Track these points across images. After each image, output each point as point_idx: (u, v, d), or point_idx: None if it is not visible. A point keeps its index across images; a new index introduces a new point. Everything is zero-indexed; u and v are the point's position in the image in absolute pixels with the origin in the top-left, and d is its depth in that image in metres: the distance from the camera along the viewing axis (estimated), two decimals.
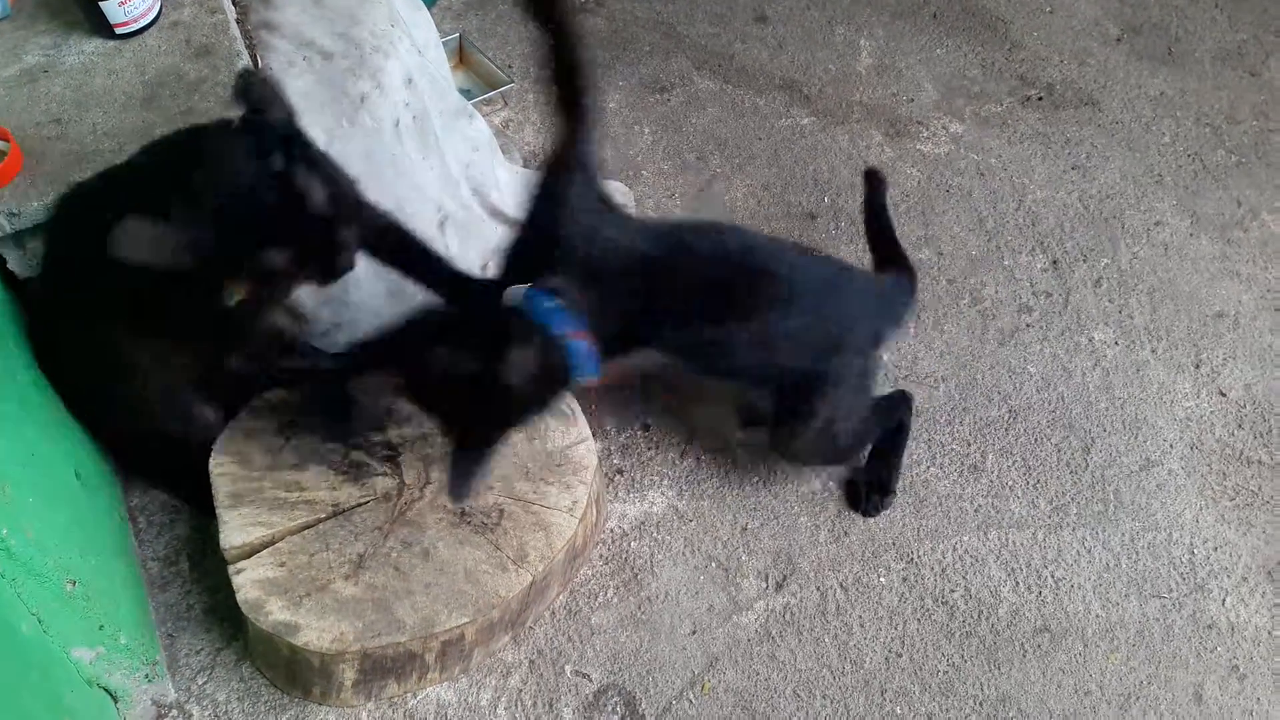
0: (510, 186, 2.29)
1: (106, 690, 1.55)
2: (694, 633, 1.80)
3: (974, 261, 2.36)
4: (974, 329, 2.23)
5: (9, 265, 1.56)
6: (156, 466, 1.85)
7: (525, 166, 2.49)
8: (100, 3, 1.62)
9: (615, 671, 1.75)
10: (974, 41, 2.90)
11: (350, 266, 1.46)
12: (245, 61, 1.68)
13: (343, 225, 1.41)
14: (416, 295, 1.97)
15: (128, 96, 1.62)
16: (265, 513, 1.63)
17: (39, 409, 1.56)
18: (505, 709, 1.69)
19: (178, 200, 1.27)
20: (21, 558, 1.29)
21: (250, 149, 1.31)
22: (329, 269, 1.43)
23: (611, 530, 1.92)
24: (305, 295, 1.81)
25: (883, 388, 2.03)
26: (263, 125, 1.32)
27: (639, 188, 2.48)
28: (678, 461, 2.00)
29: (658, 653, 1.77)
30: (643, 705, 1.71)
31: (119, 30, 1.67)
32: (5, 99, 1.61)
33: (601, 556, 1.89)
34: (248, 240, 1.32)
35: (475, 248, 2.13)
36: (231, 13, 1.78)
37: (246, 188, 1.30)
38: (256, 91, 1.33)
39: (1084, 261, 2.37)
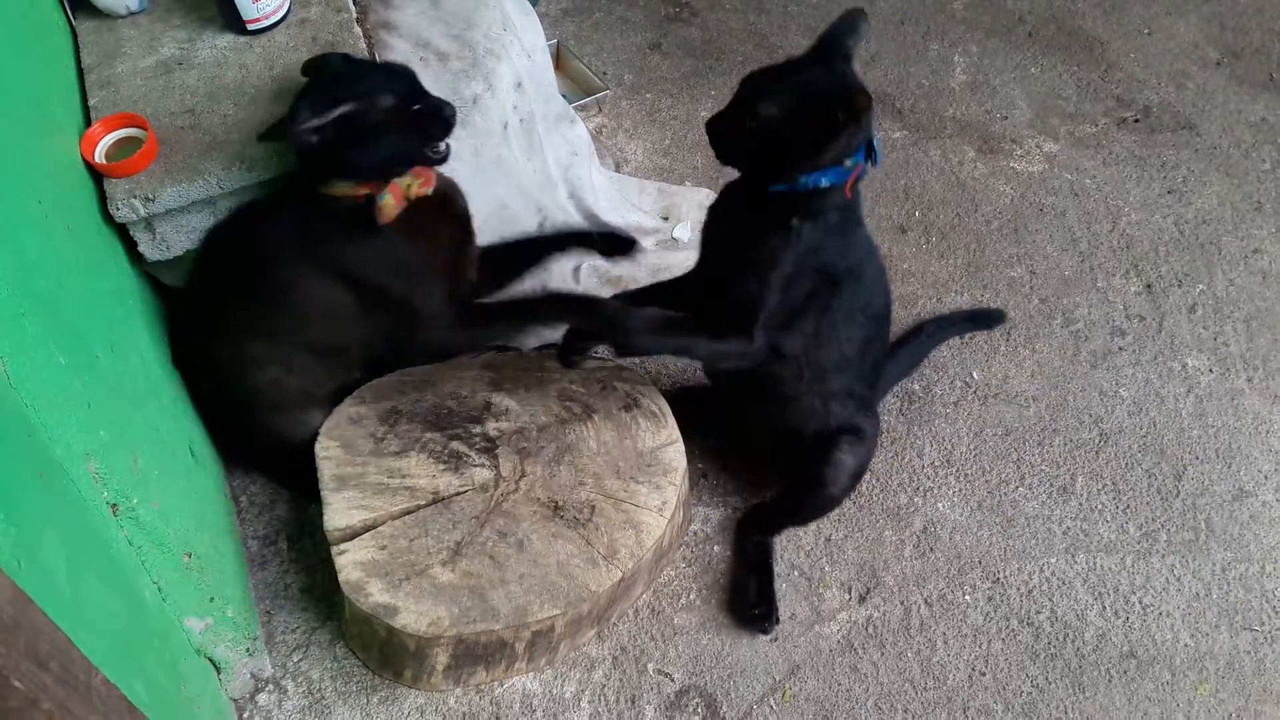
0: (605, 190, 2.33)
1: (211, 661, 1.61)
2: (775, 639, 1.81)
3: (1067, 282, 2.34)
4: (1066, 350, 2.21)
5: (140, 248, 1.63)
6: (262, 456, 1.92)
7: (617, 171, 2.53)
8: (235, 0, 1.69)
9: (697, 673, 1.77)
10: (1070, 61, 2.87)
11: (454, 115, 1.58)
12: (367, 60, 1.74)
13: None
14: (516, 291, 2.01)
15: (257, 90, 1.68)
16: (368, 497, 1.68)
17: (161, 387, 1.62)
18: (589, 702, 1.72)
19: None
20: (148, 527, 1.35)
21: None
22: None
23: (695, 533, 1.94)
24: None
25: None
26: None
27: None
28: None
29: (739, 657, 1.79)
30: (724, 708, 1.73)
31: (250, 26, 1.74)
32: (142, 89, 1.68)
33: (685, 558, 1.91)
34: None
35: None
36: (354, 12, 1.84)
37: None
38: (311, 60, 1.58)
39: (1179, 286, 2.34)
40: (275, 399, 1.75)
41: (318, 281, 1.61)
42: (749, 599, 1.82)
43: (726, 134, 1.54)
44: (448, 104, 1.56)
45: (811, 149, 1.45)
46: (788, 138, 1.46)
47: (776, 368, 1.67)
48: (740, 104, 1.50)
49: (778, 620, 1.81)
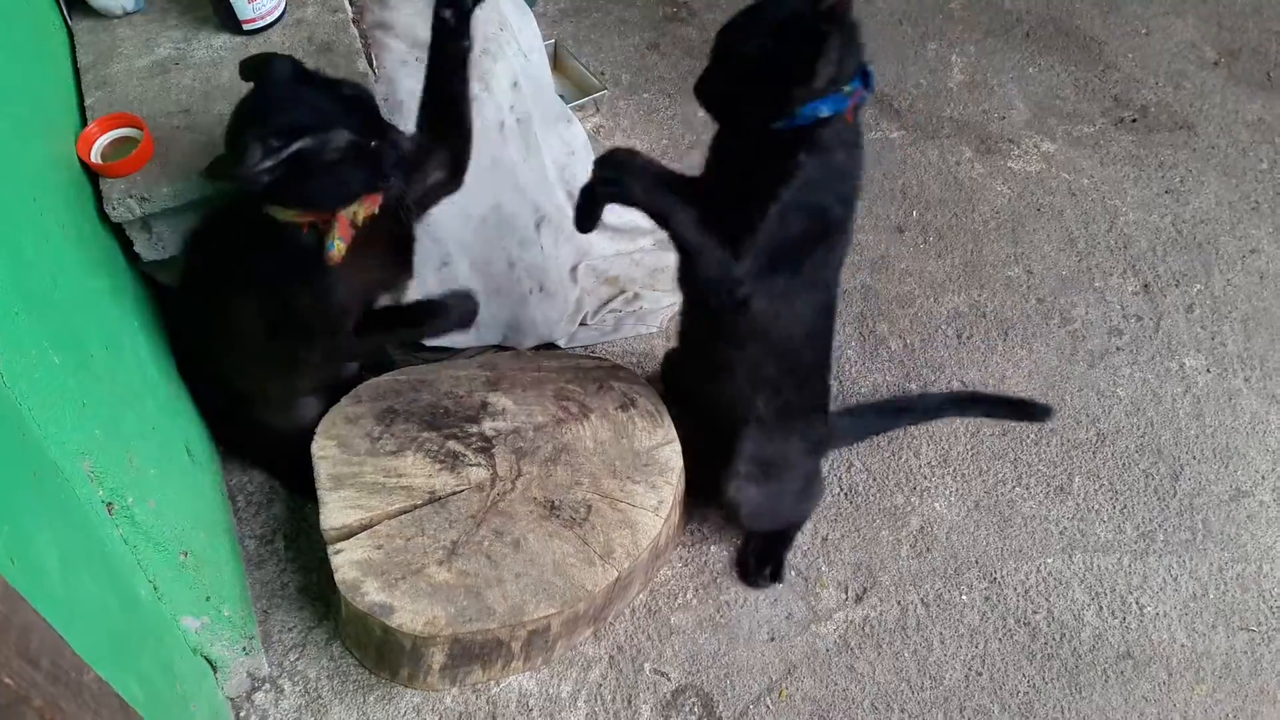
0: None
1: (208, 659, 1.61)
2: (772, 639, 1.81)
3: (1064, 281, 2.34)
4: (1063, 350, 2.21)
5: (136, 248, 1.63)
6: (260, 451, 1.93)
7: None
8: (231, 0, 1.69)
9: (693, 672, 1.77)
10: (1067, 61, 2.87)
11: (407, 145, 1.50)
12: (363, 60, 1.74)
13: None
14: (513, 289, 2.02)
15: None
16: (364, 496, 1.68)
17: (157, 385, 1.62)
18: (585, 702, 1.72)
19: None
20: (144, 526, 1.35)
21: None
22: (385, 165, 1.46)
23: (692, 532, 1.94)
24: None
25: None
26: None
27: None
28: None
29: (735, 657, 1.79)
30: (720, 707, 1.73)
31: (246, 26, 1.74)
32: (138, 89, 1.68)
33: (682, 558, 1.91)
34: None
35: (568, 249, 2.17)
36: (349, 12, 1.84)
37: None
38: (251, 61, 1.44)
39: (1176, 286, 2.34)
40: (258, 396, 1.76)
41: (252, 299, 1.59)
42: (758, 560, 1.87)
43: (716, 90, 1.47)
44: (404, 138, 1.48)
45: (804, 70, 1.36)
46: (777, 68, 1.38)
47: (730, 323, 1.59)
48: (722, 54, 1.45)
49: (781, 579, 1.86)
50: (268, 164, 1.31)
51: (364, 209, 1.47)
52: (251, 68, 1.43)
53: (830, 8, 1.30)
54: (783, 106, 1.41)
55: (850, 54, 1.40)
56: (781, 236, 1.48)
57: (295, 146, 1.32)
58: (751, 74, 1.41)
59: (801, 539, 1.92)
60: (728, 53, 1.44)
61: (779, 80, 1.39)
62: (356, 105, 1.41)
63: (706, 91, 1.48)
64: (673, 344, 2.14)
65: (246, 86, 1.64)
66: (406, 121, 1.75)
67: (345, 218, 1.46)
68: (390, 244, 1.61)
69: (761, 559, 1.87)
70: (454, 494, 1.71)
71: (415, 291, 1.89)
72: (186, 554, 1.48)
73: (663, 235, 2.20)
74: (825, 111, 1.40)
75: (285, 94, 1.40)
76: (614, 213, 2.32)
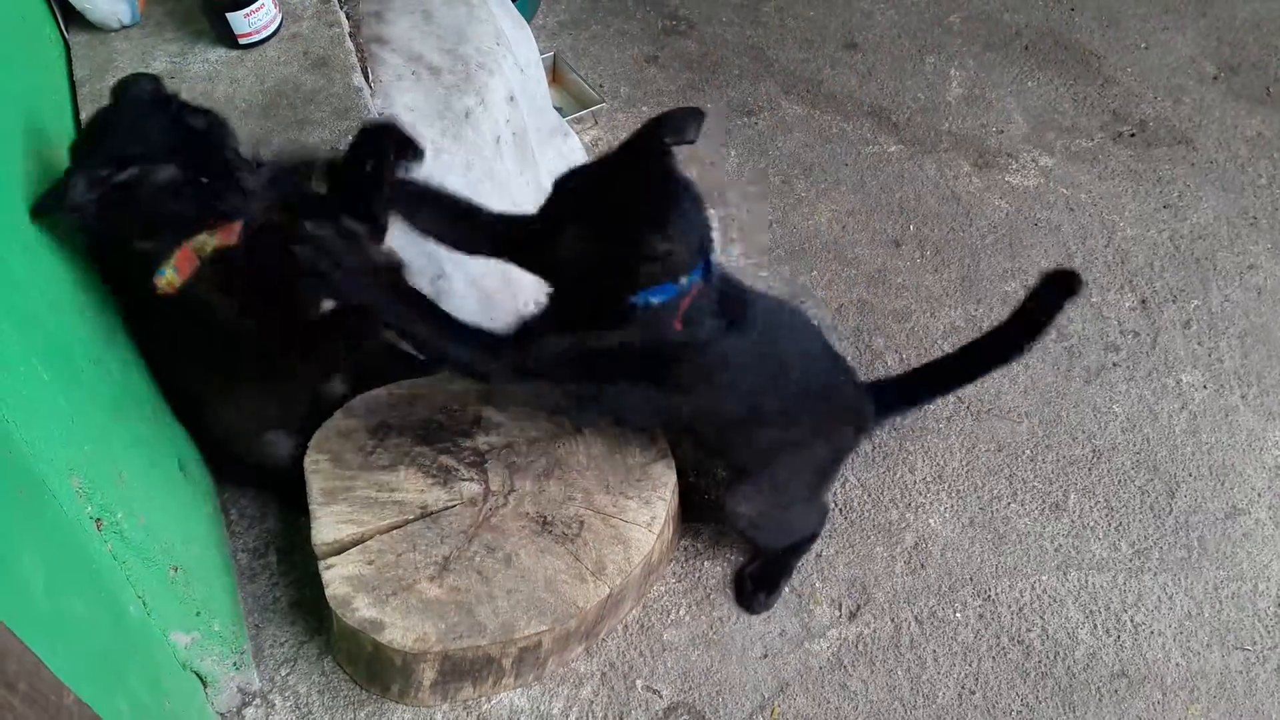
0: None
1: (198, 675, 1.61)
2: (765, 656, 1.80)
3: None
4: (1059, 365, 2.21)
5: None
6: (245, 473, 1.92)
7: None
8: (227, 14, 1.69)
9: (685, 689, 1.76)
10: (1066, 75, 2.87)
11: (252, 184, 1.40)
12: (359, 74, 1.74)
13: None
14: (507, 304, 2.01)
15: (248, 104, 1.68)
16: (356, 511, 1.68)
17: (147, 401, 1.62)
18: (577, 719, 1.71)
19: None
20: (133, 542, 1.34)
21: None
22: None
23: (685, 548, 1.94)
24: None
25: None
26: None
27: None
28: None
29: (728, 674, 1.78)
30: None
31: (242, 41, 1.74)
32: None
33: (675, 574, 1.90)
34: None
35: None
36: (346, 26, 1.84)
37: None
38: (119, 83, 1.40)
39: (1173, 302, 2.34)
40: (231, 426, 1.75)
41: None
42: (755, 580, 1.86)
43: (539, 260, 1.45)
44: (246, 175, 1.38)
45: (625, 282, 1.34)
46: (598, 270, 1.36)
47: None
48: (547, 222, 1.40)
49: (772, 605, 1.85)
50: (89, 196, 1.26)
51: (214, 240, 1.40)
52: (118, 89, 1.39)
53: (653, 250, 1.28)
54: (609, 299, 1.39)
55: (682, 255, 1.34)
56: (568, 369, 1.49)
57: (118, 178, 1.27)
58: (573, 268, 1.39)
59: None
60: (542, 236, 1.41)
61: (602, 280, 1.37)
62: (200, 137, 1.35)
63: (531, 256, 1.46)
64: None
65: (240, 101, 1.65)
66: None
67: (188, 248, 1.39)
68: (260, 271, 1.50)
69: (758, 583, 1.86)
70: (446, 509, 1.71)
71: None
72: (176, 569, 1.48)
73: None
74: (655, 300, 1.37)
75: (126, 121, 1.35)
76: None
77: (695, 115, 1.34)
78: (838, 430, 1.80)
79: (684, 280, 1.37)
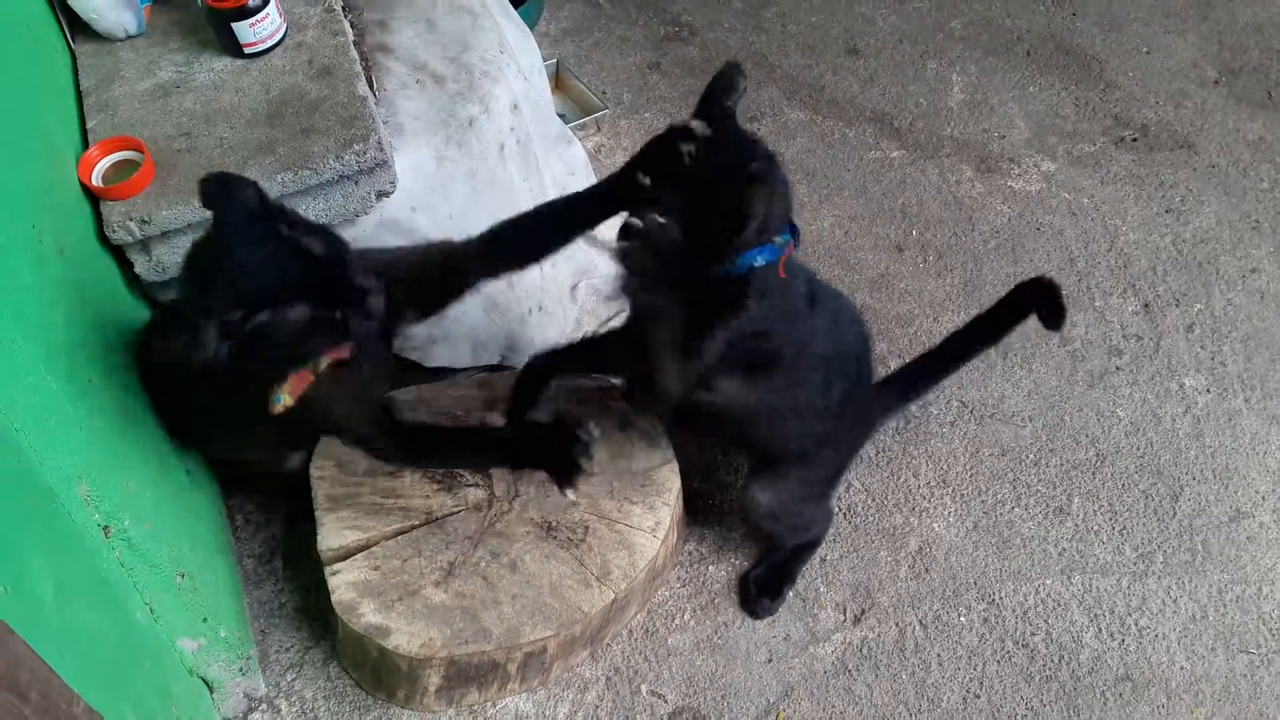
0: None
1: (204, 680, 1.61)
2: (770, 661, 1.80)
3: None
4: (1063, 370, 2.21)
5: (136, 270, 1.64)
6: (252, 479, 1.93)
7: None
8: (232, 24, 1.70)
9: (690, 694, 1.76)
10: (1068, 80, 2.88)
11: (377, 308, 1.33)
12: (363, 82, 1.75)
13: (351, 269, 1.31)
14: (512, 308, 2.02)
15: (253, 113, 1.69)
16: (362, 517, 1.69)
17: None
18: None
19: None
20: (140, 549, 1.35)
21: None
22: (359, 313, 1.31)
23: (690, 553, 1.94)
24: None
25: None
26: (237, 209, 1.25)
27: None
28: None
29: (733, 678, 1.78)
30: None
31: (247, 50, 1.75)
32: (140, 111, 1.70)
33: (679, 579, 1.91)
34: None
35: (567, 269, 2.18)
36: (350, 35, 1.85)
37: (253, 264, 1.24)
38: (214, 188, 1.27)
39: (1176, 306, 2.34)
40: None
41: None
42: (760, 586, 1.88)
43: (638, 249, 1.49)
44: (372, 297, 1.30)
45: (733, 227, 1.40)
46: (704, 226, 1.42)
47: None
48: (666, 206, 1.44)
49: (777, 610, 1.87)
50: (225, 345, 1.20)
51: (327, 361, 1.38)
52: (211, 193, 1.26)
53: (754, 176, 1.36)
54: (718, 257, 1.46)
55: (778, 210, 1.45)
56: (721, 362, 1.54)
57: (253, 324, 1.21)
58: (693, 226, 1.44)
59: None
60: (651, 205, 1.45)
61: (709, 237, 1.43)
62: (323, 265, 1.27)
63: (631, 244, 1.49)
64: None
65: (245, 109, 1.65)
66: (407, 143, 1.77)
67: (305, 370, 1.37)
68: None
69: (763, 588, 1.86)
70: (451, 515, 1.71)
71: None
72: (183, 575, 1.49)
73: None
74: (760, 260, 1.45)
75: (242, 249, 1.24)
76: (611, 232, 2.33)
77: (736, 69, 1.44)
78: (861, 426, 1.86)
79: (778, 239, 1.47)
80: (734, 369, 1.57)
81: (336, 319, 1.27)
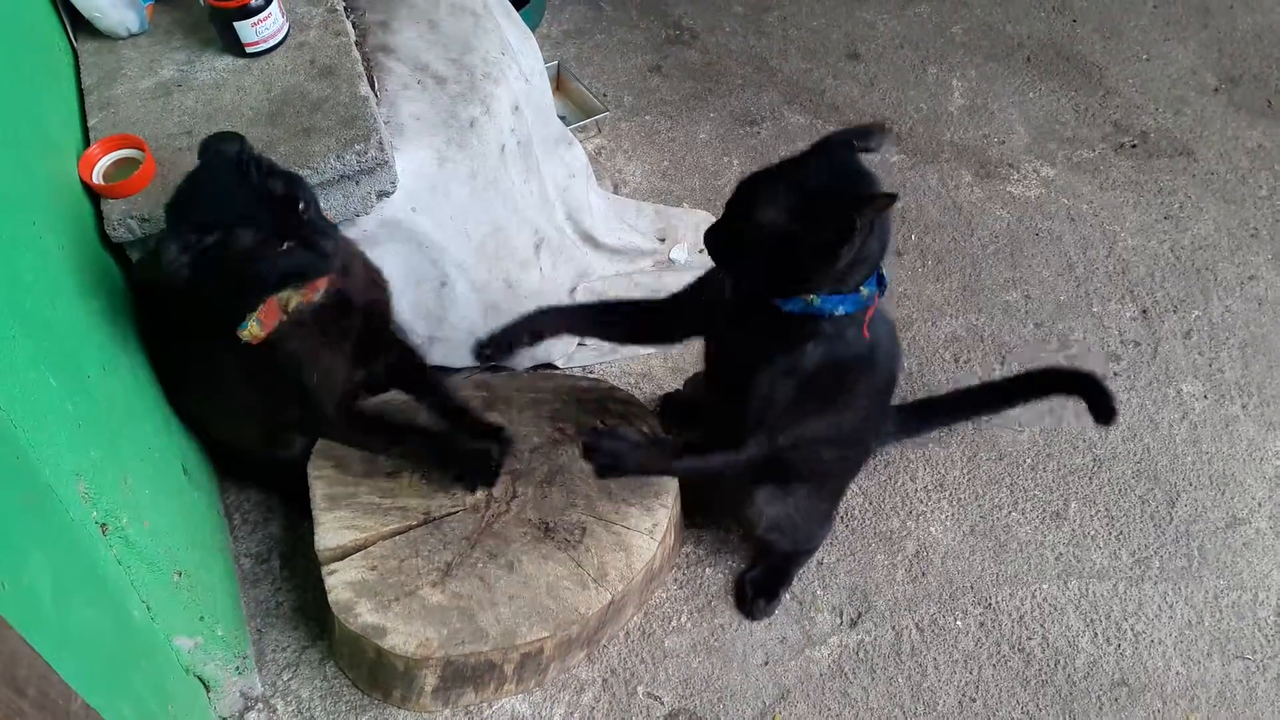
0: (602, 212, 2.34)
1: (201, 679, 1.61)
2: (766, 663, 1.81)
3: (1061, 307, 2.34)
4: None
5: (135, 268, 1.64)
6: (253, 471, 1.94)
7: (615, 192, 2.54)
8: (235, 23, 1.70)
9: (687, 696, 1.76)
10: (1068, 86, 2.89)
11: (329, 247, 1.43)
12: (365, 83, 1.75)
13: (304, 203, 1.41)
14: (514, 309, 2.02)
15: (254, 112, 1.69)
16: (360, 517, 1.69)
17: (154, 406, 1.63)
18: None
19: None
20: (138, 546, 1.35)
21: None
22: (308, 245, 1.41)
23: (687, 555, 1.94)
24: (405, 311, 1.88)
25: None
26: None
27: None
28: None
29: (729, 681, 1.78)
30: None
31: (249, 49, 1.75)
32: (141, 110, 1.70)
33: (676, 580, 1.91)
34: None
35: (566, 270, 2.18)
36: (352, 35, 1.85)
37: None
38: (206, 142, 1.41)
39: (1174, 312, 2.34)
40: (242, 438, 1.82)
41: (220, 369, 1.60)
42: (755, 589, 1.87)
43: (726, 246, 1.36)
44: (328, 238, 1.42)
45: (824, 258, 1.26)
46: (794, 247, 1.27)
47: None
48: (736, 210, 1.32)
49: (773, 612, 1.87)
50: (184, 259, 1.33)
51: (298, 296, 1.48)
52: (202, 146, 1.41)
53: (865, 207, 1.21)
54: (796, 289, 1.33)
55: (872, 251, 1.32)
56: (785, 419, 1.49)
57: (205, 242, 1.34)
58: (764, 248, 1.30)
59: None
60: (741, 212, 1.31)
61: (794, 263, 1.29)
62: (279, 201, 1.39)
63: (718, 245, 1.37)
64: (673, 372, 2.16)
65: (247, 109, 1.66)
66: (409, 143, 1.78)
67: (274, 302, 1.46)
68: (336, 325, 1.59)
69: (759, 590, 1.86)
70: (449, 515, 1.71)
71: (410, 311, 1.90)
72: (180, 574, 1.49)
73: (662, 257, 2.21)
74: (841, 311, 1.33)
75: (212, 184, 1.39)
76: (614, 234, 2.34)
77: (882, 129, 1.33)
78: (874, 442, 1.85)
79: (864, 291, 1.34)
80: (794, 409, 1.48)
81: (284, 248, 1.38)
